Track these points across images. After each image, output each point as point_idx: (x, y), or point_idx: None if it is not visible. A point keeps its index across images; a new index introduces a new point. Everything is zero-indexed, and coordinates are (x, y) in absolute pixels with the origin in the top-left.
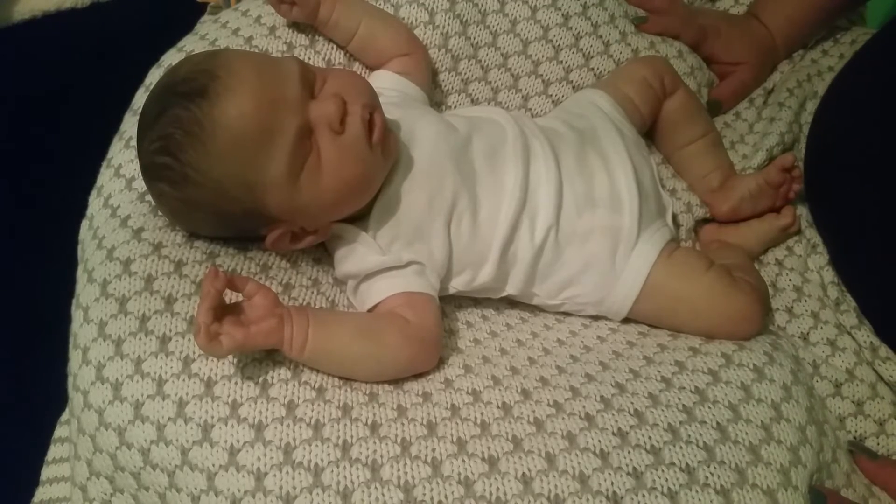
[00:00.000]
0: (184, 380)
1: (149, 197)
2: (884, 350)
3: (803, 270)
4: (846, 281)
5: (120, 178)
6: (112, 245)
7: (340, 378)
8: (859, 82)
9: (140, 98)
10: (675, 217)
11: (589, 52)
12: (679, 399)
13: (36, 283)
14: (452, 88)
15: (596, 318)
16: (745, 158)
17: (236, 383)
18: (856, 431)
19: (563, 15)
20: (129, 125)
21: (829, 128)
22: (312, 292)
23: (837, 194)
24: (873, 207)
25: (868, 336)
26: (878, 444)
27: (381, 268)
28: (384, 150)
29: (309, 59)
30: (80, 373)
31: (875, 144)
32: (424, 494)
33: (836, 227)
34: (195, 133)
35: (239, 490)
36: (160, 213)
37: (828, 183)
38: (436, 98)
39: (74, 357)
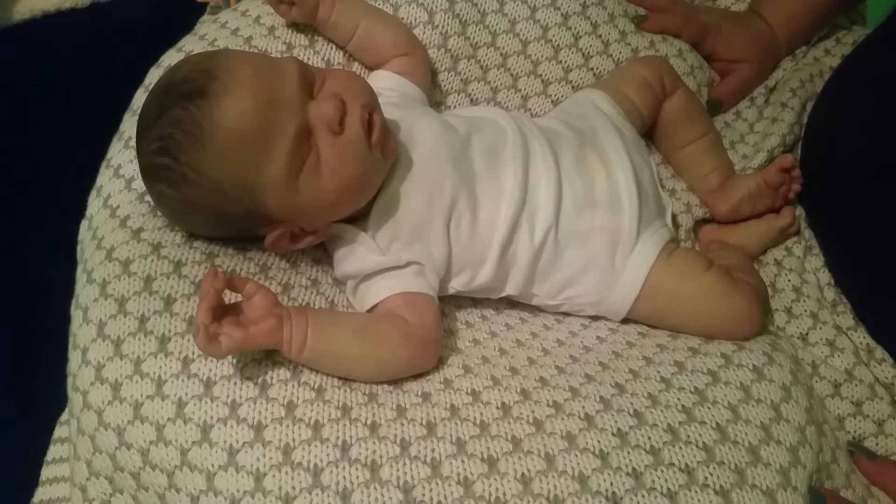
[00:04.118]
0: (183, 380)
1: (148, 197)
2: (879, 352)
3: (802, 271)
4: (841, 283)
5: (119, 178)
6: (111, 245)
7: (340, 378)
8: (852, 84)
9: (139, 98)
10: (674, 217)
11: (588, 52)
12: (678, 399)
13: (36, 283)
14: (452, 88)
15: (595, 318)
16: (745, 158)
17: (235, 384)
18: (855, 432)
19: (562, 14)
20: (129, 125)
21: (823, 131)
22: (312, 293)
23: (831, 197)
24: (867, 210)
25: (864, 338)
26: (877, 444)
27: (381, 268)
28: (383, 151)
29: (308, 59)
30: (79, 373)
31: (868, 147)
32: (424, 495)
33: (830, 230)
34: (194, 133)
35: (238, 490)
36: (159, 214)
37: (822, 186)
38: (435, 98)
39: (74, 357)
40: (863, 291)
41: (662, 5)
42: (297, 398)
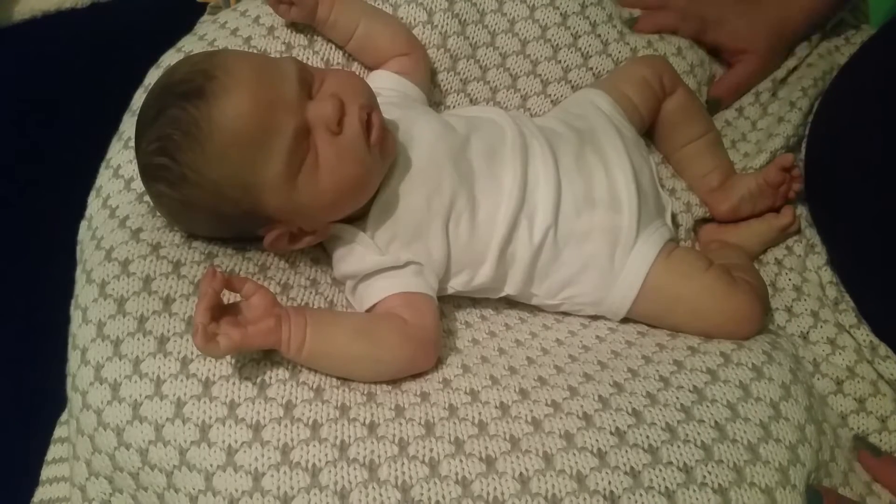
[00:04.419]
0: (182, 380)
1: (147, 197)
2: (883, 349)
3: (802, 270)
4: (844, 280)
5: (119, 178)
6: (111, 245)
7: (338, 378)
8: (856, 84)
9: (139, 98)
10: (674, 217)
11: (587, 52)
12: (677, 398)
13: (36, 283)
14: (451, 88)
15: (595, 318)
16: (746, 157)
17: (234, 384)
18: (858, 428)
19: (561, 14)
20: (128, 126)
21: (829, 128)
22: (311, 292)
23: (836, 194)
24: (872, 208)
25: (867, 335)
26: (881, 440)
27: (380, 268)
28: (382, 151)
29: (307, 59)
30: (78, 373)
31: (874, 145)
32: (422, 494)
33: (834, 227)
34: (193, 134)
35: (237, 490)
36: (159, 214)
37: (827, 183)
38: (434, 98)
39: (73, 357)
40: (867, 288)
41: (655, 4)
42: (296, 398)
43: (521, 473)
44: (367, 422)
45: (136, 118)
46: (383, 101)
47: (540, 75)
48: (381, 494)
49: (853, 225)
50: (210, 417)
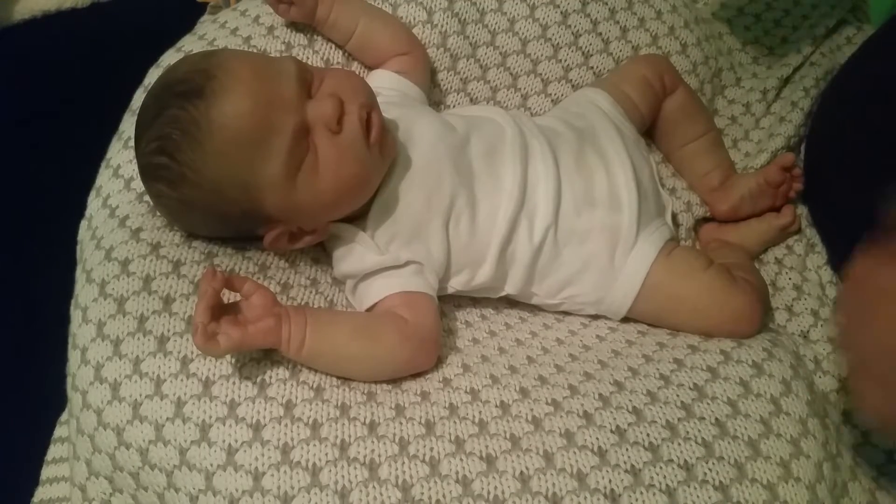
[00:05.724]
0: (182, 380)
1: (147, 197)
2: None
3: (803, 269)
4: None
5: (119, 178)
6: (110, 245)
7: (338, 378)
8: (855, 84)
9: (139, 98)
10: (674, 216)
11: (588, 51)
12: (677, 396)
13: (36, 283)
14: (451, 87)
15: (595, 317)
16: (747, 156)
17: (234, 383)
18: (862, 425)
19: (561, 13)
20: (128, 125)
21: (829, 127)
22: (311, 292)
23: (834, 194)
24: (871, 208)
25: None
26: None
27: (380, 267)
28: (382, 150)
29: (307, 58)
30: (78, 373)
31: (874, 144)
32: (422, 493)
33: (832, 227)
34: (192, 133)
35: (237, 490)
36: (158, 214)
37: (827, 183)
38: (434, 97)
39: (73, 357)
40: None
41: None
42: (296, 397)
43: (521, 472)
44: (368, 421)
45: (135, 118)
46: (383, 101)
47: (540, 74)
48: (381, 494)
49: (852, 225)
50: (210, 417)
